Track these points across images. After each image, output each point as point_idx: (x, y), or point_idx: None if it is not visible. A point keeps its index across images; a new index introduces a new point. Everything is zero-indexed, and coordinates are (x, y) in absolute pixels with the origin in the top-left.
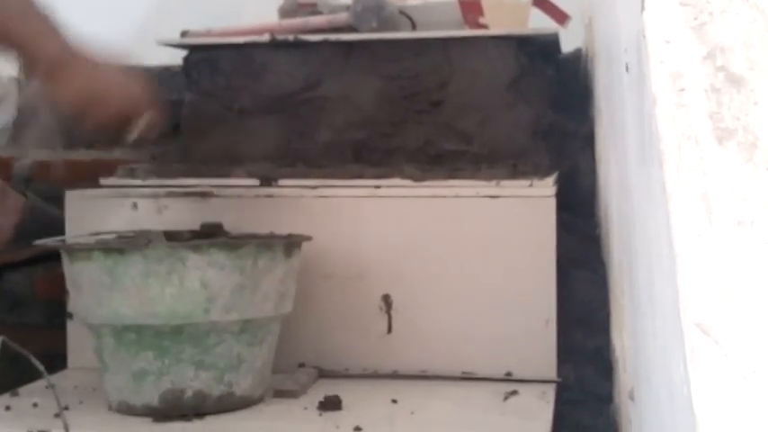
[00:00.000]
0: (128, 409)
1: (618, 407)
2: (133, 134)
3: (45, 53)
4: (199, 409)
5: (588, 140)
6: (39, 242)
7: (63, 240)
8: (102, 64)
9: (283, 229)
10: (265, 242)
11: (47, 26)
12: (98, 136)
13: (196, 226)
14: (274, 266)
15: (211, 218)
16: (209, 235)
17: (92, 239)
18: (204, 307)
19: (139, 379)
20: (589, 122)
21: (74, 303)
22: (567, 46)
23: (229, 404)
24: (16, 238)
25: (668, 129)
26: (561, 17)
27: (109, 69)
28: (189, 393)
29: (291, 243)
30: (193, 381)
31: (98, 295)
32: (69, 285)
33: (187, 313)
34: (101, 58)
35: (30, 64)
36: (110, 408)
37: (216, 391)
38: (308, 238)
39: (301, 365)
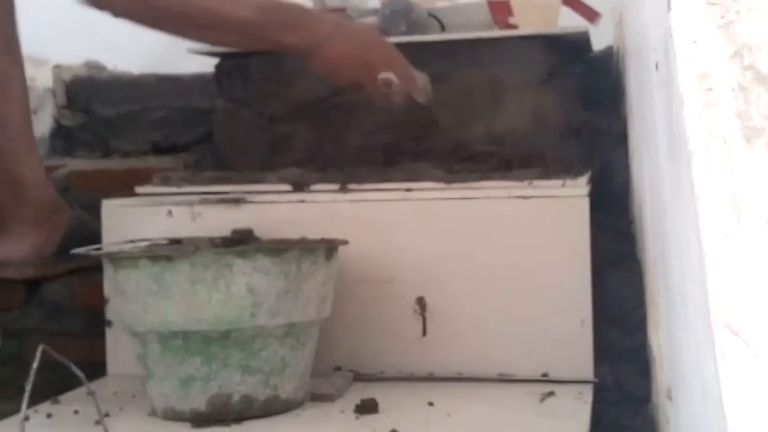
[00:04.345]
0: (174, 416)
1: (656, 406)
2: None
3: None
4: (245, 413)
5: (621, 138)
6: (80, 251)
7: (100, 248)
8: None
9: (315, 234)
10: (308, 247)
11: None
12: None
13: (230, 232)
14: (316, 270)
15: (245, 224)
16: (241, 241)
17: (126, 247)
18: (251, 312)
19: (186, 385)
20: (621, 120)
21: (117, 311)
22: (598, 43)
23: (274, 408)
24: (59, 251)
25: (696, 128)
26: (591, 15)
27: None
28: (236, 398)
29: (332, 247)
30: (240, 385)
31: (145, 302)
32: (112, 293)
33: (234, 318)
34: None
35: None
36: (154, 414)
37: (262, 395)
38: (345, 242)
39: (337, 369)
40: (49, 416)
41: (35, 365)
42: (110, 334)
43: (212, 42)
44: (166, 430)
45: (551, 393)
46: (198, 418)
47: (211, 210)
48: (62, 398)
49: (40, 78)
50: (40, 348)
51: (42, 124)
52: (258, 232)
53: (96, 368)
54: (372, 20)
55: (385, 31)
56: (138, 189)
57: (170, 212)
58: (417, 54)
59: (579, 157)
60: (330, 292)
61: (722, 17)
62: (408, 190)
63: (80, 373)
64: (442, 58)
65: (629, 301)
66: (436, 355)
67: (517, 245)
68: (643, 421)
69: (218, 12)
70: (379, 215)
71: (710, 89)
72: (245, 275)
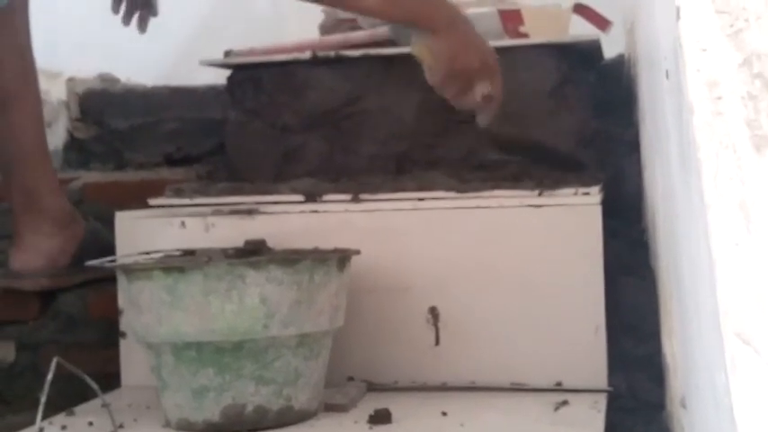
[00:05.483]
0: (188, 426)
1: (670, 414)
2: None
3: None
4: (259, 423)
5: (633, 145)
6: (94, 262)
7: (114, 260)
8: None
9: (328, 245)
10: (321, 257)
11: None
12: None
13: (243, 243)
14: (329, 281)
15: (257, 235)
16: (253, 252)
17: (140, 258)
18: (264, 323)
19: (200, 396)
20: (634, 127)
21: (131, 322)
22: (609, 51)
23: (288, 418)
24: (73, 262)
25: (705, 137)
26: (603, 24)
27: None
28: (250, 408)
29: (344, 257)
30: (254, 396)
31: (158, 314)
32: (126, 305)
33: (247, 329)
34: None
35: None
36: (168, 425)
37: (275, 405)
38: (357, 252)
39: (350, 379)
40: (63, 428)
41: (50, 377)
42: (124, 345)
43: (353, 9)
44: None
45: (565, 402)
46: (212, 429)
47: (224, 221)
48: (77, 409)
49: (53, 91)
50: (55, 360)
51: (56, 137)
52: (271, 243)
53: (110, 379)
54: (384, 30)
55: (396, 41)
56: (152, 201)
57: (183, 224)
58: None
59: (591, 164)
60: (343, 302)
61: (731, 25)
62: (420, 199)
63: (94, 385)
64: None
65: (642, 309)
66: (449, 365)
67: (530, 253)
68: (658, 429)
69: None
70: (392, 225)
71: (720, 98)
72: (258, 286)
